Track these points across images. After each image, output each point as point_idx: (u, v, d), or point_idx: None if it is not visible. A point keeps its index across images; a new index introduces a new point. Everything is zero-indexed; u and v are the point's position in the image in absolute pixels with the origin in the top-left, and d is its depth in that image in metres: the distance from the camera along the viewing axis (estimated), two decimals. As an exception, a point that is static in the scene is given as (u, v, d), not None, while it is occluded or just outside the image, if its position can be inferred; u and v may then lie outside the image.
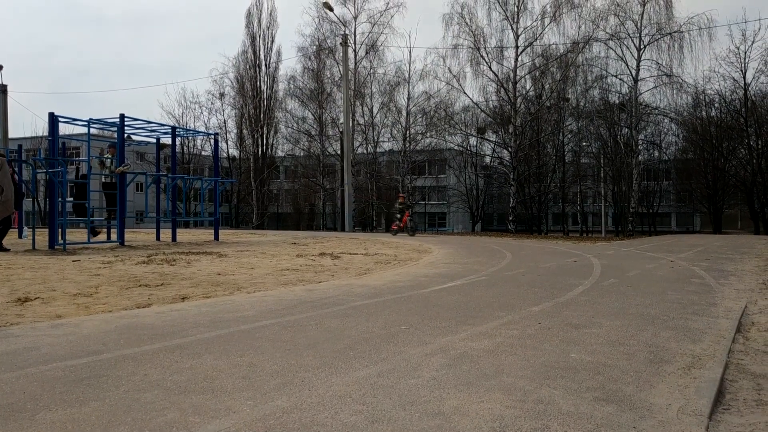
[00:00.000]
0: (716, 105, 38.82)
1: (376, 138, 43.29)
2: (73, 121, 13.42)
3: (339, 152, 41.70)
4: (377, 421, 2.54)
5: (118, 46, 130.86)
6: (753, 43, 37.34)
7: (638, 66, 34.59)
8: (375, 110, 42.83)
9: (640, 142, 36.90)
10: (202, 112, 53.39)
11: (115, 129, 14.33)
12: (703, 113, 39.27)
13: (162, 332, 4.24)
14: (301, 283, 7.28)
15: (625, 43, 34.67)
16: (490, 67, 36.09)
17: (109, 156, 14.64)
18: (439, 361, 3.54)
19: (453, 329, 4.49)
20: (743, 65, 36.97)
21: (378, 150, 43.85)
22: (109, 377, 3.10)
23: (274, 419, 2.53)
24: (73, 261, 9.59)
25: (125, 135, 14.92)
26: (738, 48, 37.45)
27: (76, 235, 14.52)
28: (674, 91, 35.38)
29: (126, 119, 14.04)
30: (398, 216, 23.74)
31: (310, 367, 3.35)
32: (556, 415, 2.68)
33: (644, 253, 13.36)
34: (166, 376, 3.13)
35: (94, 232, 14.04)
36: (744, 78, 37.11)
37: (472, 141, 43.24)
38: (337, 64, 41.38)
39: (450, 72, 37.13)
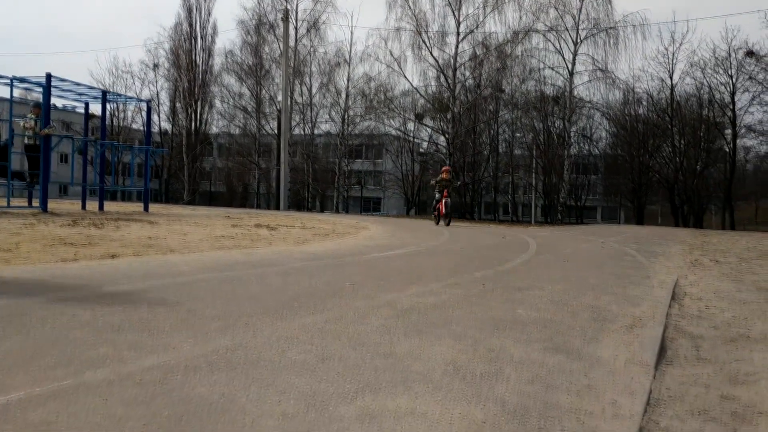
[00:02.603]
0: (644, 103, 40.11)
1: (314, 119, 42.70)
2: (-6, 77, 12.57)
3: (276, 131, 40.96)
4: (328, 359, 2.42)
5: (45, 10, 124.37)
6: (681, 45, 38.21)
7: (574, 60, 35.39)
8: (314, 90, 42.24)
9: (573, 134, 37.83)
10: (134, 83, 51.05)
11: (41, 90, 13.54)
12: (632, 110, 40.51)
13: (90, 283, 3.97)
14: (238, 249, 7.04)
15: (563, 36, 35.39)
16: (431, 53, 36.19)
17: (33, 116, 13.80)
18: (386, 313, 3.44)
19: (398, 288, 4.41)
20: (671, 66, 38.30)
21: (315, 132, 43.31)
22: (33, 317, 2.85)
23: (218, 356, 2.37)
24: (-9, 221, 9.00)
25: (50, 101, 14.12)
26: (666, 49, 38.72)
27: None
28: (607, 87, 36.42)
29: (53, 79, 13.29)
30: (437, 196, 16.60)
31: (254, 314, 3.19)
32: (509, 360, 2.64)
33: (576, 236, 13.69)
34: (97, 317, 2.91)
35: None
36: (671, 78, 38.44)
37: (410, 126, 43.30)
38: (278, 40, 40.50)
39: (391, 55, 37.03)
